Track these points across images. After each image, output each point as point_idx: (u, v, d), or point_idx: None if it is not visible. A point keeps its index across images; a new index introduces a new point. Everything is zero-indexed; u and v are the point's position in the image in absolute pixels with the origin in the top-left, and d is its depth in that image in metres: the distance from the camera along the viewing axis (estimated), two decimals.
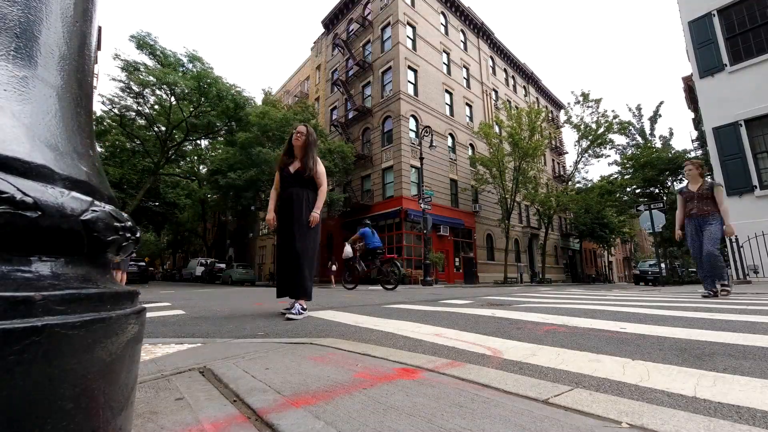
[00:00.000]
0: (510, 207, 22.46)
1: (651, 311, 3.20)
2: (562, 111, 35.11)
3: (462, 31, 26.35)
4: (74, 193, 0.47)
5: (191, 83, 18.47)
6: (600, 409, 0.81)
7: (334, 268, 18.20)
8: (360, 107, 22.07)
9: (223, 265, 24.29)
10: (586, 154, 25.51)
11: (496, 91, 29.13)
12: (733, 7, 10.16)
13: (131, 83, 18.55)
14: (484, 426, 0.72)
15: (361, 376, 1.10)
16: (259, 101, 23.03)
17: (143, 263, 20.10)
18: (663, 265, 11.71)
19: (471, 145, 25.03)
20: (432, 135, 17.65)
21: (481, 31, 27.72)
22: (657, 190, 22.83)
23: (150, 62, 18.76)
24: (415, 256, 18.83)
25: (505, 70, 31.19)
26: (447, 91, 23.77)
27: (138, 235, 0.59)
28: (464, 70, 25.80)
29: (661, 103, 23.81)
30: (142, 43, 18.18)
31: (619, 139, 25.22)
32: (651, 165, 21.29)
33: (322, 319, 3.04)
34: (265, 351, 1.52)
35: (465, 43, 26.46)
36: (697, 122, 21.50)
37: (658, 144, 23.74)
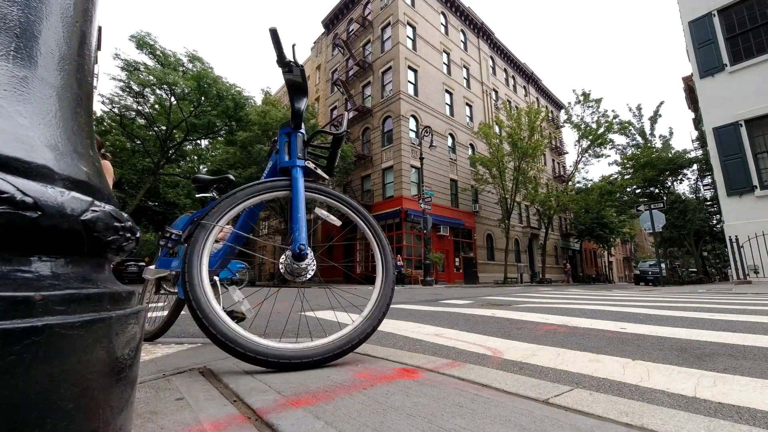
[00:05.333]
0: (510, 207, 22.45)
1: (651, 311, 3.20)
2: (563, 111, 35.10)
3: (462, 31, 26.35)
4: (74, 193, 0.47)
5: (191, 83, 18.48)
6: (600, 409, 0.81)
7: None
8: (360, 107, 22.06)
9: None
10: (587, 154, 25.51)
11: (496, 91, 29.13)
12: (734, 7, 10.16)
13: (131, 83, 18.55)
14: (484, 426, 0.72)
15: (361, 376, 1.10)
16: (259, 101, 23.03)
17: (143, 263, 20.12)
18: (663, 265, 11.70)
19: (471, 145, 25.02)
20: (432, 135, 17.64)
21: (481, 31, 27.72)
22: (657, 190, 22.82)
23: (150, 62, 18.77)
24: (415, 256, 18.82)
25: (505, 70, 31.18)
26: (447, 91, 23.76)
27: (138, 235, 0.59)
28: (464, 70, 25.79)
29: (662, 103, 23.79)
30: (142, 42, 18.18)
31: (620, 139, 25.23)
32: (651, 165, 21.28)
33: (323, 319, 3.04)
34: None
35: (465, 43, 26.45)
36: (697, 122, 21.52)
37: (658, 144, 23.74)
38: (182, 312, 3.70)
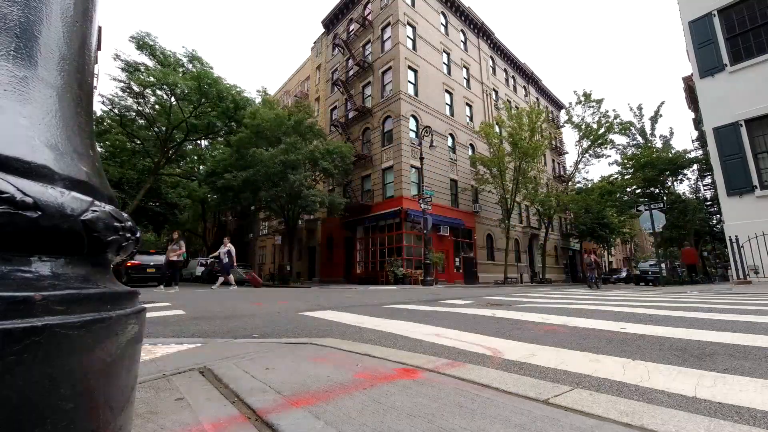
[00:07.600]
0: (510, 207, 22.44)
1: (651, 311, 3.20)
2: (563, 111, 35.10)
3: (462, 31, 26.34)
4: (74, 193, 0.47)
5: (191, 83, 18.47)
6: (600, 409, 0.81)
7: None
8: (360, 107, 22.05)
9: None
10: (587, 154, 25.49)
11: (496, 91, 29.11)
12: (734, 7, 10.16)
13: (132, 83, 18.55)
14: (484, 426, 0.72)
15: (361, 376, 1.10)
16: (259, 101, 23.04)
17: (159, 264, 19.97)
18: (663, 265, 11.71)
19: (471, 145, 25.01)
20: (432, 135, 17.63)
21: (481, 31, 27.71)
22: (657, 190, 22.84)
23: (150, 63, 18.78)
24: (415, 256, 18.82)
25: (505, 70, 31.17)
26: (447, 91, 23.75)
27: (138, 235, 0.59)
28: (464, 70, 25.78)
29: (662, 103, 23.79)
30: (142, 43, 18.20)
31: (620, 139, 25.24)
32: (651, 165, 21.29)
33: (323, 319, 3.04)
34: (265, 351, 1.52)
35: (465, 43, 26.44)
36: (698, 122, 21.51)
37: (659, 144, 23.76)
38: (180, 312, 3.71)
